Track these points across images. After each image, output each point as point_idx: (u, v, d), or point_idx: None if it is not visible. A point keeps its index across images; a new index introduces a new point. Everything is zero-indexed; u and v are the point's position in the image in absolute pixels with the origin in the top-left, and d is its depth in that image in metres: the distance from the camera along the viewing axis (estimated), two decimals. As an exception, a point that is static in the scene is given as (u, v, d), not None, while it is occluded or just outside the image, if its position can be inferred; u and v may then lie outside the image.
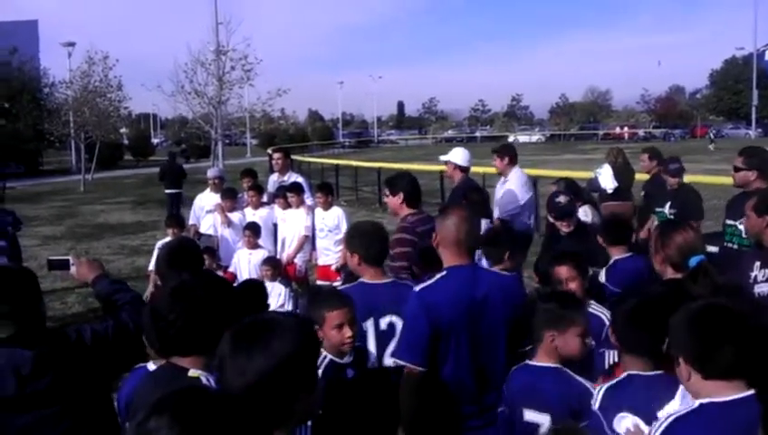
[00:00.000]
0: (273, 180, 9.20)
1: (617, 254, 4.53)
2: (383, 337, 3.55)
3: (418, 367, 3.17)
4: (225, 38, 30.26)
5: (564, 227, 5.19)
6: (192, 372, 2.31)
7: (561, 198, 5.22)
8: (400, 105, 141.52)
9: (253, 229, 7.69)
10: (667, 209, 6.75)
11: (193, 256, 3.66)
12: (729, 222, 5.11)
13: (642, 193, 8.72)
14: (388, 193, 5.16)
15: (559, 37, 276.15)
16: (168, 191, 18.29)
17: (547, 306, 3.10)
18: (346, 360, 3.22)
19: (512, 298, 3.35)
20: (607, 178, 8.98)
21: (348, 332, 3.12)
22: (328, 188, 8.33)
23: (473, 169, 7.23)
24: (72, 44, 39.49)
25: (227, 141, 50.29)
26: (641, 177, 11.06)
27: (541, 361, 3.00)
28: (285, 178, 8.95)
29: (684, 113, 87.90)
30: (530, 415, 2.99)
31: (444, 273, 3.30)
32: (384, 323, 3.56)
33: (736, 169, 5.08)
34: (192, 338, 2.35)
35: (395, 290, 3.64)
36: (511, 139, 73.20)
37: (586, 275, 3.84)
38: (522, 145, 55.28)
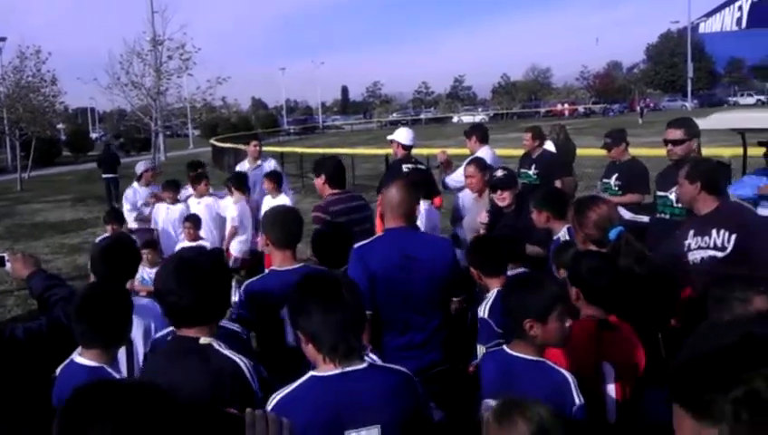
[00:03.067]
0: (247, 167, 9.14)
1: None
2: None
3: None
4: (162, 27, 29.62)
5: (501, 201, 5.20)
6: (203, 340, 2.45)
7: (499, 172, 5.25)
8: (344, 90, 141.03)
9: (193, 221, 7.54)
10: (613, 181, 6.83)
11: (129, 252, 3.61)
12: (660, 193, 5.22)
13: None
14: (314, 175, 5.43)
15: (499, 18, 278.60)
16: (105, 176, 20.64)
17: (526, 293, 2.87)
18: None
19: (441, 256, 3.74)
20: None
21: None
22: (275, 176, 8.26)
23: (420, 150, 7.33)
24: (2, 39, 38.10)
25: (168, 133, 49.37)
26: (582, 152, 11.34)
27: (519, 351, 2.81)
28: (259, 164, 9.12)
29: (622, 88, 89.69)
30: None
31: (381, 234, 3.75)
32: None
33: (676, 143, 5.13)
34: (199, 309, 2.46)
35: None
36: (455, 119, 73.80)
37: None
38: (466, 125, 55.54)
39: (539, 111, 78.55)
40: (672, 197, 5.00)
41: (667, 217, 5.07)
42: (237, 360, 2.42)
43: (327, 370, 2.26)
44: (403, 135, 7.31)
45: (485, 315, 3.58)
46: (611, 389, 2.83)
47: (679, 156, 5.07)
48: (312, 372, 2.28)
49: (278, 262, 3.67)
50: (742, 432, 0.96)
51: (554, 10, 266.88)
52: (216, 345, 2.46)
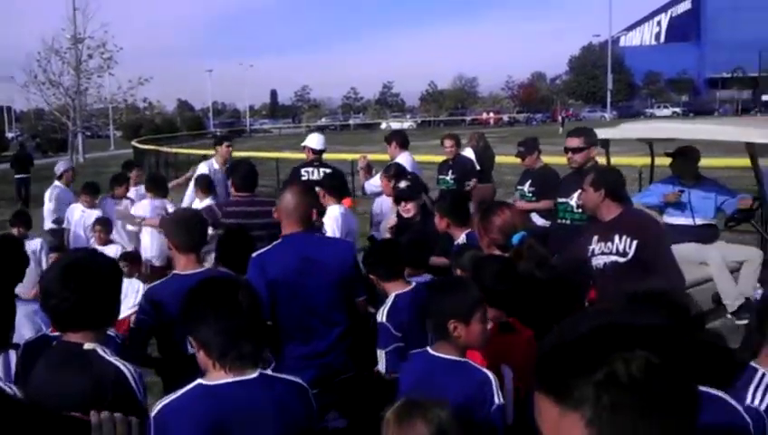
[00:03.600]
0: (215, 169, 8.82)
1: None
2: None
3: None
4: (83, 25, 28.77)
5: (405, 213, 5.20)
6: (87, 346, 2.37)
7: (403, 183, 5.27)
8: (273, 93, 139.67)
9: (103, 224, 7.31)
10: (526, 188, 6.99)
11: (12, 255, 3.45)
12: (561, 199, 5.40)
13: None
14: None
15: (427, 26, 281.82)
16: (17, 176, 20.56)
17: (450, 295, 2.89)
18: None
19: (341, 258, 3.76)
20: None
21: None
22: (204, 180, 8.11)
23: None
24: None
25: (89, 134, 47.86)
26: (504, 160, 11.57)
27: (442, 352, 2.78)
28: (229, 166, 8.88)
29: (545, 98, 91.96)
30: None
31: (280, 240, 3.73)
32: None
33: (576, 151, 5.33)
34: (84, 313, 2.38)
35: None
36: (383, 125, 74.25)
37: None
38: (394, 132, 55.94)
39: (465, 119, 79.90)
40: (573, 203, 5.18)
41: (568, 222, 5.24)
42: (121, 366, 2.33)
43: (216, 378, 2.18)
44: (314, 140, 7.46)
45: (384, 320, 3.56)
46: (510, 390, 2.88)
47: (578, 163, 5.26)
48: (199, 380, 2.19)
49: (181, 266, 3.58)
50: (603, 414, 0.99)
51: (481, 20, 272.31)
52: (100, 351, 2.37)
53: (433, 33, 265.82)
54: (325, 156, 7.51)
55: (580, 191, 4.55)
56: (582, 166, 5.19)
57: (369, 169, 7.52)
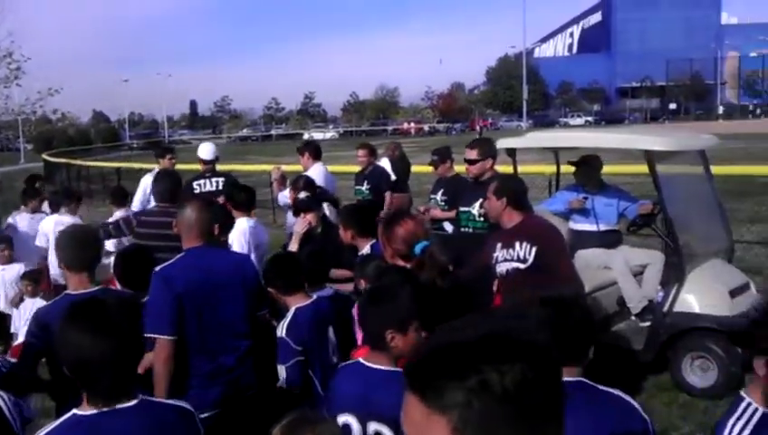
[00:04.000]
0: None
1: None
2: None
3: (169, 336, 3.38)
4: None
5: (304, 224, 5.07)
6: None
7: (302, 194, 5.23)
8: (193, 104, 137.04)
9: (6, 242, 7.00)
10: (439, 196, 7.07)
11: None
12: (463, 208, 5.52)
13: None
14: None
15: (348, 36, 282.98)
16: None
17: (386, 304, 2.80)
18: None
19: (243, 271, 3.73)
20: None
21: None
22: (120, 192, 8.09)
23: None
24: None
25: (-3, 147, 45.89)
26: (422, 169, 11.71)
27: (377, 362, 2.68)
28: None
29: (464, 108, 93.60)
30: (374, 427, 2.66)
31: (182, 254, 3.66)
32: None
33: (472, 162, 5.47)
34: None
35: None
36: (306, 136, 73.88)
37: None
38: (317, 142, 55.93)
39: (387, 129, 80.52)
40: (475, 211, 5.30)
41: (471, 230, 5.36)
42: None
43: (89, 407, 2.04)
44: (204, 150, 7.40)
45: (283, 334, 3.51)
46: None
47: (475, 174, 5.43)
48: (74, 410, 2.05)
49: (73, 286, 3.43)
50: (470, 421, 0.99)
51: (401, 31, 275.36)
52: None
53: (354, 43, 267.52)
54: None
55: (481, 200, 4.65)
56: (479, 176, 5.34)
57: (284, 181, 7.46)
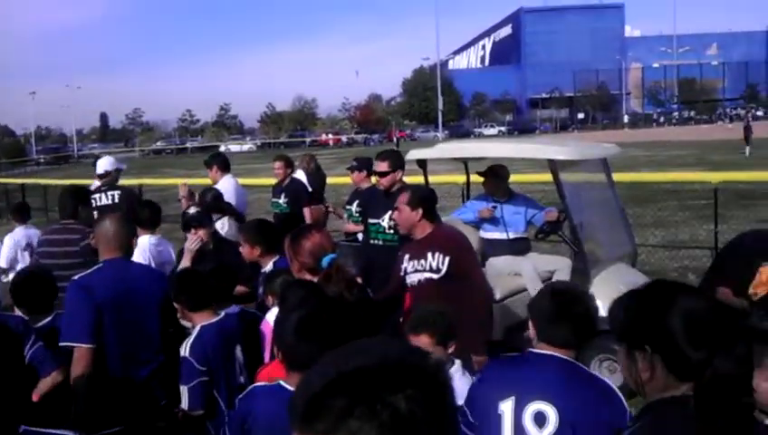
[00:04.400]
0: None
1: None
2: None
3: (87, 344, 3.41)
4: None
5: (194, 240, 4.87)
6: None
7: (192, 209, 5.11)
8: (103, 117, 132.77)
9: None
10: (354, 208, 7.09)
11: None
12: (372, 220, 5.55)
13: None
14: None
15: (264, 47, 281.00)
16: None
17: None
18: None
19: (158, 287, 3.76)
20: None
21: None
22: (21, 207, 7.78)
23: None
24: None
25: None
26: (340, 180, 11.71)
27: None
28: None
29: (381, 119, 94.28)
30: None
31: (100, 265, 3.68)
32: None
33: (382, 174, 5.51)
34: None
35: None
36: (222, 148, 72.89)
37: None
38: (234, 154, 55.30)
39: (305, 140, 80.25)
40: (384, 224, 5.33)
41: (380, 243, 5.39)
42: None
43: None
44: (100, 164, 7.30)
45: (187, 353, 3.40)
46: None
47: (385, 186, 5.46)
48: None
49: None
50: None
51: (318, 42, 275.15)
52: None
53: (270, 55, 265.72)
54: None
55: (391, 212, 4.68)
56: (390, 188, 5.37)
57: (192, 196, 7.31)
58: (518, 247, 6.34)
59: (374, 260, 5.13)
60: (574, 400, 2.51)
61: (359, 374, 1.02)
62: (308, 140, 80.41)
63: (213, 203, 5.75)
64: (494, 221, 6.34)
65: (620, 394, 2.56)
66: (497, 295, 5.62)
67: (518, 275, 6.17)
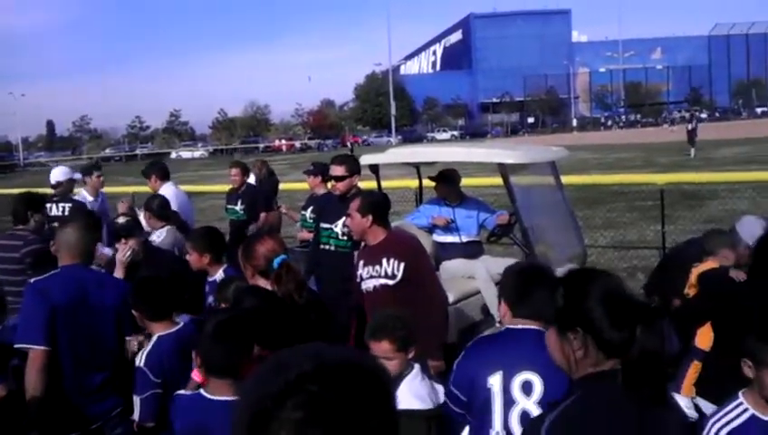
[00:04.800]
0: (89, 200, 7.66)
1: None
2: None
3: (42, 347, 3.40)
4: None
5: (123, 250, 4.71)
6: None
7: (121, 219, 4.99)
8: (50, 124, 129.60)
9: None
10: (308, 213, 7.08)
11: None
12: (325, 225, 5.54)
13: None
14: None
15: (216, 53, 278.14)
16: None
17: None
18: None
19: (117, 294, 3.73)
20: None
21: None
22: None
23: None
24: None
25: None
26: (295, 186, 11.69)
27: (219, 393, 2.60)
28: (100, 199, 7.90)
29: (335, 125, 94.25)
30: None
31: (58, 270, 3.70)
32: None
33: (339, 179, 5.51)
34: None
35: None
36: (173, 155, 71.95)
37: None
38: (185, 161, 54.56)
39: (258, 146, 79.77)
40: (338, 229, 5.33)
41: (332, 248, 5.38)
42: None
43: None
44: (52, 174, 7.28)
45: (142, 364, 3.35)
46: None
47: (341, 191, 5.46)
48: None
49: None
50: None
51: (269, 48, 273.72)
52: None
53: (221, 60, 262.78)
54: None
55: (345, 218, 4.69)
56: (346, 193, 5.37)
57: (131, 211, 7.17)
58: (471, 251, 6.39)
59: (324, 264, 5.13)
60: (555, 366, 2.62)
61: (301, 381, 1.02)
62: (261, 145, 79.96)
63: (159, 211, 5.66)
64: (446, 226, 6.39)
65: None
66: (451, 298, 5.67)
67: (471, 278, 6.22)
